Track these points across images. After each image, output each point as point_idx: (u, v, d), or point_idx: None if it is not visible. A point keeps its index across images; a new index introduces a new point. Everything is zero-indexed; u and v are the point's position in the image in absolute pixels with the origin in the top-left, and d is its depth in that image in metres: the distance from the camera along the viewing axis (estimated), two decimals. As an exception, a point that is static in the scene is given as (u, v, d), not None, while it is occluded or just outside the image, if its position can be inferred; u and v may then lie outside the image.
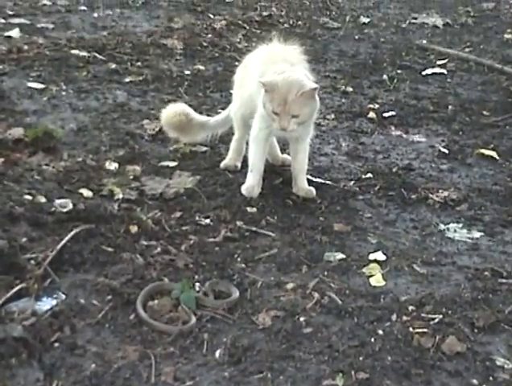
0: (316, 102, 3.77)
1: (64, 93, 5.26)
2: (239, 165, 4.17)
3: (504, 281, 3.25)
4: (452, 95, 5.92)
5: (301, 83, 3.66)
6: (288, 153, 4.23)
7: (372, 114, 5.35)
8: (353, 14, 8.67)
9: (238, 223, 3.60)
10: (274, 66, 3.83)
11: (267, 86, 3.65)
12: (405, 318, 2.91)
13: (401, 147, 4.79)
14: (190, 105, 4.58)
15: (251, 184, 3.89)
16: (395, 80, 6.16)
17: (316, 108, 3.81)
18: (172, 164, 4.26)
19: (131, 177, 4.02)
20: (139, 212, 3.61)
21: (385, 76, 6.28)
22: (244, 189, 3.89)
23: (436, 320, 2.91)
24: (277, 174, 4.16)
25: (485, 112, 5.46)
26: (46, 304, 2.81)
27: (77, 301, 2.86)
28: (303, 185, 3.96)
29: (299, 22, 8.24)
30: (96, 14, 7.75)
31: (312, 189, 3.95)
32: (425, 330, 2.84)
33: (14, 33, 6.60)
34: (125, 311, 2.84)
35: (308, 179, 4.05)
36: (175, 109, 4.37)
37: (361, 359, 2.67)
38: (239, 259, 3.31)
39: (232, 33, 7.43)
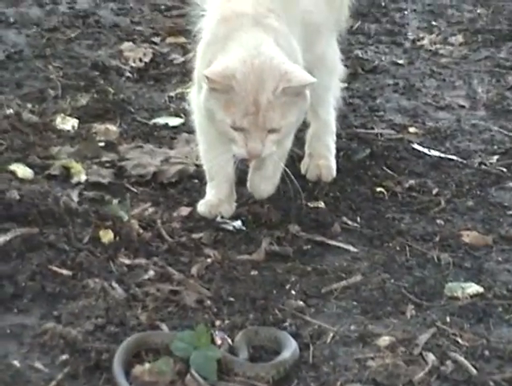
0: (307, 101, 2.26)
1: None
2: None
3: None
4: None
5: (283, 69, 2.13)
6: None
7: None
8: None
9: (292, 227, 2.44)
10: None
11: (217, 81, 2.10)
12: None
13: None
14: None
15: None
16: None
17: (306, 109, 2.34)
18: (174, 122, 3.05)
19: (101, 144, 2.88)
20: (116, 207, 2.52)
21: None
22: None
23: None
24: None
25: None
26: None
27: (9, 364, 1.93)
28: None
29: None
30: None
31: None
32: None
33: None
34: (91, 383, 1.90)
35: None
36: None
37: None
38: (293, 292, 2.23)
39: None
